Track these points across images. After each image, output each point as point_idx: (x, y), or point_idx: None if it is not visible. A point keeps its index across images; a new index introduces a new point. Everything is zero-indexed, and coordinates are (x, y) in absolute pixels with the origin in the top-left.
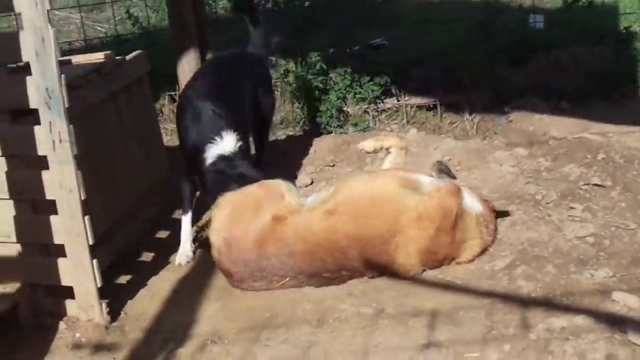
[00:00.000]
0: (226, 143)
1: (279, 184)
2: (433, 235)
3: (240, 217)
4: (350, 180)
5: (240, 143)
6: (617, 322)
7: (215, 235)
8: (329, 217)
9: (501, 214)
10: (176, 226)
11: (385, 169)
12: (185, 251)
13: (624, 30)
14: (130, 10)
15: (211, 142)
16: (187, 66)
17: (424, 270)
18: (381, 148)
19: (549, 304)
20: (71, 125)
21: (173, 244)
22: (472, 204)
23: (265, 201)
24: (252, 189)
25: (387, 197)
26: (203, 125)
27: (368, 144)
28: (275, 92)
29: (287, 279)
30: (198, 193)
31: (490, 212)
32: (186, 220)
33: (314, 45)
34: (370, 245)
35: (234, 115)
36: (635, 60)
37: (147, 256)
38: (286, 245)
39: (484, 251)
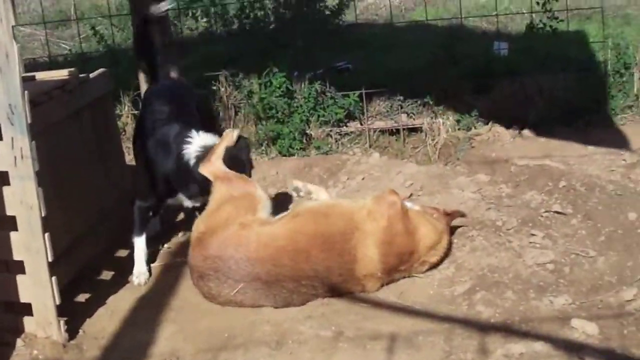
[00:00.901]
0: (203, 137)
1: (260, 198)
2: (385, 225)
3: (217, 214)
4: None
5: (216, 136)
6: (576, 349)
7: (195, 225)
8: (291, 220)
9: (456, 214)
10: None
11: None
12: (142, 270)
13: (588, 59)
14: (96, 28)
15: (188, 143)
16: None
17: (382, 287)
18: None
19: (508, 330)
20: (33, 142)
21: (132, 262)
22: (411, 205)
23: (241, 207)
24: (238, 192)
25: (340, 204)
26: (176, 136)
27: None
28: (239, 113)
29: (241, 285)
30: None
31: (441, 214)
32: (140, 240)
33: (278, 67)
34: (332, 242)
35: (198, 124)
36: (598, 89)
37: (106, 274)
38: (247, 250)
39: (445, 248)
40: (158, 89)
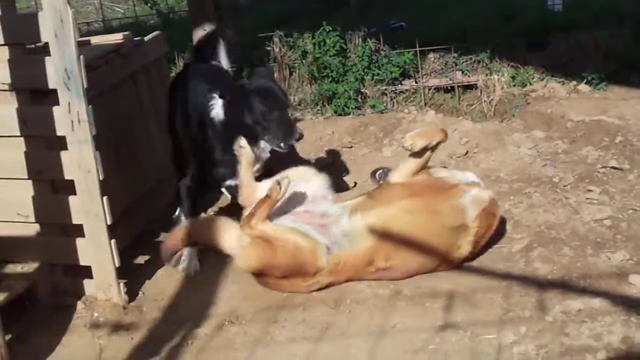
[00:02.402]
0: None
1: (311, 257)
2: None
3: (272, 273)
4: (386, 219)
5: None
6: (634, 305)
7: (245, 270)
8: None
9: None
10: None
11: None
12: (193, 263)
13: None
14: None
15: (212, 103)
16: None
17: None
18: (428, 147)
19: (565, 287)
20: (90, 106)
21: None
22: None
23: (295, 274)
24: (283, 260)
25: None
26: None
27: (415, 143)
28: (294, 73)
29: None
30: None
31: None
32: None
33: (332, 26)
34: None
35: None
36: None
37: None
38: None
39: None
40: (192, 70)
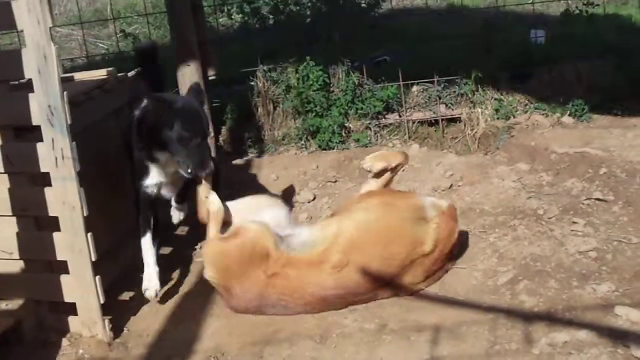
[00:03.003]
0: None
1: (261, 238)
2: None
3: (232, 273)
4: (342, 220)
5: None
6: (620, 337)
7: (211, 280)
8: (339, 271)
9: None
10: (179, 242)
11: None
12: (153, 283)
13: (626, 44)
14: (133, 27)
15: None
16: (189, 82)
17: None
18: (387, 168)
19: (551, 319)
20: (74, 142)
21: (176, 260)
22: None
23: (251, 262)
24: (235, 249)
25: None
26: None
27: (374, 164)
28: (277, 107)
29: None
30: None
31: None
32: (145, 241)
33: (315, 60)
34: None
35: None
36: (637, 74)
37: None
38: (292, 297)
39: None
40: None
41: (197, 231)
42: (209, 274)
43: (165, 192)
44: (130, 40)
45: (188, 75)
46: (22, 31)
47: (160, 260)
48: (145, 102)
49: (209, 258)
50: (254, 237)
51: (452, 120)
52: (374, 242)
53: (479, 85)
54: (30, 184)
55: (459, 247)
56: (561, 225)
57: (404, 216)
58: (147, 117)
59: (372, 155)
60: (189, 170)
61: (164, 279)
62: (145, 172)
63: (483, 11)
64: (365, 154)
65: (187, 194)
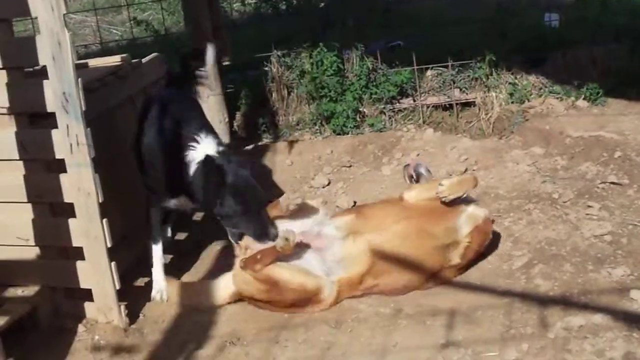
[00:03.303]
0: (207, 142)
1: (319, 285)
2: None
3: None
4: (377, 240)
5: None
6: (635, 320)
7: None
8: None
9: None
10: (195, 228)
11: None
12: (161, 286)
13: None
14: (147, 13)
15: (192, 148)
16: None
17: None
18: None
19: (566, 303)
20: (88, 129)
21: (191, 246)
22: None
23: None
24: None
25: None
26: (181, 138)
27: (450, 195)
28: (292, 93)
29: None
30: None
31: None
32: (157, 249)
33: (329, 45)
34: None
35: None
36: None
37: (165, 258)
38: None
39: None
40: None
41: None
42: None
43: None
44: (143, 27)
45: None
46: (36, 18)
47: (175, 246)
48: (198, 161)
49: (254, 289)
50: (308, 293)
51: (467, 104)
52: (405, 269)
53: (493, 69)
54: (45, 171)
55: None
56: (576, 209)
57: (437, 244)
58: (196, 180)
59: (450, 184)
60: (238, 241)
61: (179, 265)
62: (167, 199)
63: None
64: (380, 139)
65: None
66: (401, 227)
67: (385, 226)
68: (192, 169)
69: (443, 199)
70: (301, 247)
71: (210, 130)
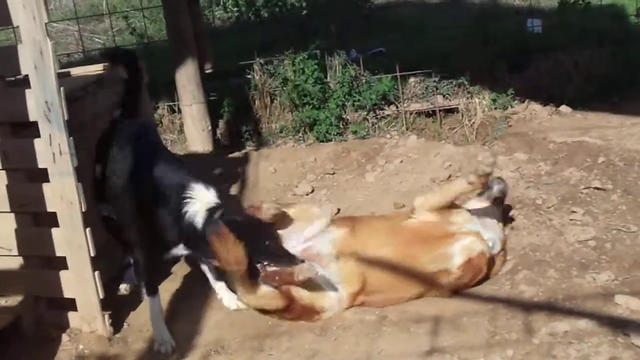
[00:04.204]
0: (204, 193)
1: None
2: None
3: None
4: (368, 264)
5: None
6: (620, 325)
7: None
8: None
9: None
10: None
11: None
12: (165, 338)
13: (622, 32)
14: (129, 21)
15: (190, 199)
16: (185, 76)
17: None
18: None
19: (551, 308)
20: (71, 138)
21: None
22: None
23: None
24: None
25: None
26: (175, 188)
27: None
28: (275, 100)
29: None
30: None
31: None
32: (155, 301)
33: (311, 53)
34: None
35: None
36: (634, 63)
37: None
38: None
39: None
40: (140, 126)
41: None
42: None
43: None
44: (129, 32)
45: (184, 68)
46: (17, 27)
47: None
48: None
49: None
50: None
51: (450, 110)
52: (394, 290)
53: (476, 76)
54: (28, 180)
55: None
56: (560, 214)
57: (428, 270)
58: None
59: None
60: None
61: (163, 273)
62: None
63: (478, 4)
64: (363, 146)
65: None
66: (388, 251)
67: (372, 248)
68: (198, 221)
69: (438, 204)
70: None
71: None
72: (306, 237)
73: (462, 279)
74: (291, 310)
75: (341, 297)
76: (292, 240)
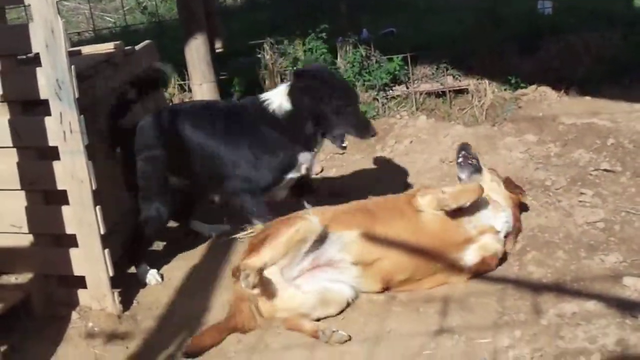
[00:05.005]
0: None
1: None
2: None
3: None
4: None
5: None
6: (628, 307)
7: None
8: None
9: None
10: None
11: None
12: (141, 270)
13: (633, 15)
14: (139, 0)
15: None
16: (196, 55)
17: None
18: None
19: (559, 290)
20: (82, 116)
21: (184, 233)
22: None
23: None
24: None
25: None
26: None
27: (452, 201)
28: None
29: None
30: None
31: None
32: None
33: (322, 32)
34: None
35: None
36: None
37: (157, 245)
38: None
39: None
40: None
41: (205, 205)
42: None
43: None
44: (139, 11)
45: (195, 47)
46: (29, 6)
47: (168, 234)
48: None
49: None
50: None
51: (460, 91)
52: (410, 285)
53: (487, 57)
54: (38, 158)
55: None
56: (569, 196)
57: (442, 271)
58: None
59: (452, 193)
60: (359, 137)
61: (172, 252)
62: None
63: None
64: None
65: None
66: (411, 255)
67: (393, 253)
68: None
69: (444, 208)
70: (318, 276)
71: None
72: (305, 252)
73: (470, 273)
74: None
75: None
76: (294, 265)
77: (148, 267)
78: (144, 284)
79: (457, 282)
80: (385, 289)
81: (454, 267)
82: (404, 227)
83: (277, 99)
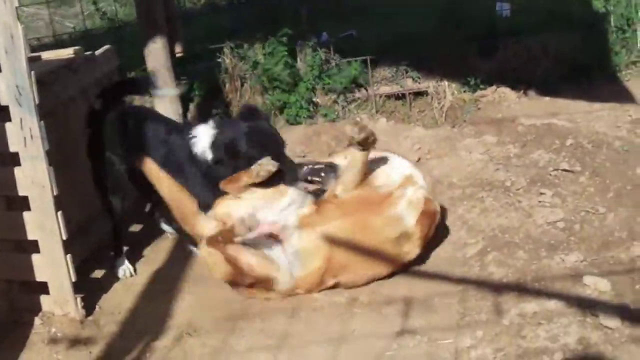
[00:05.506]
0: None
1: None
2: None
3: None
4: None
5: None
6: (589, 306)
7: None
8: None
9: None
10: (149, 219)
11: None
12: (119, 263)
13: (591, 16)
14: (99, 5)
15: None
16: (156, 60)
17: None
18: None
19: (520, 289)
20: (42, 121)
21: (146, 237)
22: None
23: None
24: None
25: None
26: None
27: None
28: (245, 84)
29: None
30: None
31: None
32: None
33: (282, 36)
34: None
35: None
36: (601, 46)
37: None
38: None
39: None
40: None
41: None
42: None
43: None
44: (99, 17)
45: (155, 52)
46: None
47: (131, 237)
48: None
49: (221, 270)
50: (266, 280)
51: (419, 93)
52: (361, 264)
53: (446, 59)
54: None
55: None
56: (529, 196)
57: (386, 236)
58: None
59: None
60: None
61: (134, 256)
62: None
63: None
64: (333, 129)
65: None
66: (343, 222)
67: (329, 221)
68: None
69: (354, 140)
70: (268, 238)
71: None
72: (275, 211)
73: (423, 232)
74: (240, 281)
75: (301, 277)
76: (264, 214)
77: (125, 260)
78: (106, 290)
79: (413, 254)
80: (327, 268)
81: (400, 233)
82: (333, 207)
83: (201, 143)
